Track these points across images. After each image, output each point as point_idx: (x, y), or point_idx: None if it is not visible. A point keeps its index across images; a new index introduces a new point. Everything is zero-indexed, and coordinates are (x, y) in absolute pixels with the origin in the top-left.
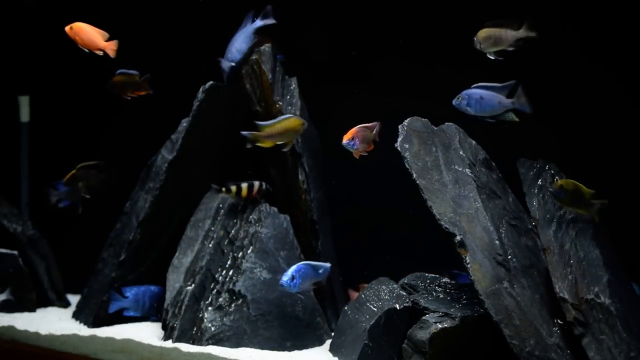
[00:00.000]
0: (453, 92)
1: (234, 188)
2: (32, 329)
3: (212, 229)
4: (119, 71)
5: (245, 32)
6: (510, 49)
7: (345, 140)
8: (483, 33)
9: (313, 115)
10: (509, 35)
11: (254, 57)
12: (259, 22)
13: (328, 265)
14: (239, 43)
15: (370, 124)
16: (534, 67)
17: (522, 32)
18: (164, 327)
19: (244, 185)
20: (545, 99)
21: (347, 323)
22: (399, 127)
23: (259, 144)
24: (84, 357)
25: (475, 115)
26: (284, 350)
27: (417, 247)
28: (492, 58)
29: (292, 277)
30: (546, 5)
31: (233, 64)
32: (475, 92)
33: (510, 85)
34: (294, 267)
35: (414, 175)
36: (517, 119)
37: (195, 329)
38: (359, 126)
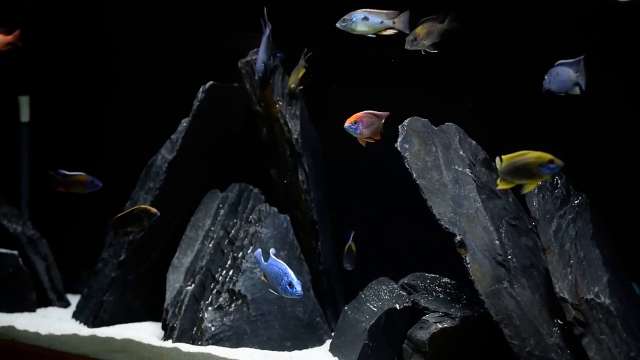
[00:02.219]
0: (453, 92)
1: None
2: (32, 329)
3: (212, 229)
4: None
5: (262, 41)
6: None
7: (347, 123)
8: (422, 29)
9: (313, 115)
10: (438, 28)
11: (254, 57)
12: (267, 30)
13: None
14: (260, 53)
15: (380, 112)
16: (534, 67)
17: (446, 25)
18: (164, 327)
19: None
20: (546, 99)
21: (347, 323)
22: (399, 127)
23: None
24: (84, 357)
25: (553, 91)
26: (284, 350)
27: (417, 247)
28: (430, 52)
29: (291, 284)
30: (547, 5)
31: (260, 74)
32: (553, 69)
33: (580, 60)
34: (292, 275)
35: (414, 175)
36: (579, 93)
37: (195, 329)
38: (365, 111)
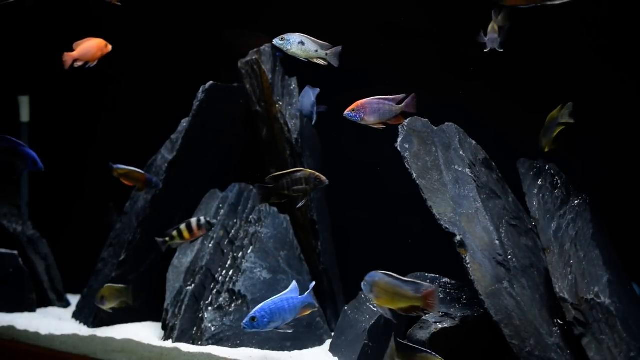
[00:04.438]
0: (453, 92)
1: (175, 233)
2: (32, 329)
3: (212, 228)
4: None
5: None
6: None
7: (347, 111)
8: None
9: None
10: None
11: (254, 57)
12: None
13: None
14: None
15: (392, 96)
16: (534, 67)
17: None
18: (164, 327)
19: (183, 227)
20: (546, 99)
21: (347, 323)
22: (399, 127)
23: None
24: (84, 357)
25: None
26: (283, 350)
27: (417, 247)
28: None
29: (253, 318)
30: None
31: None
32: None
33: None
34: (259, 307)
35: (414, 175)
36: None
37: (195, 329)
38: (372, 98)
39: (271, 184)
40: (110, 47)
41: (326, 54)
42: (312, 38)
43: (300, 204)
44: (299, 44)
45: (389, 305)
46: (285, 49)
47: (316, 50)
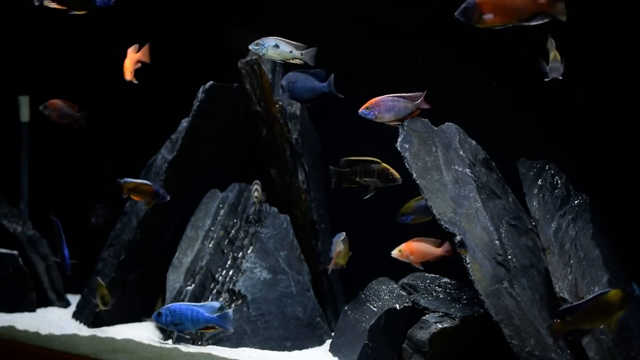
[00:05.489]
0: (453, 92)
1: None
2: (32, 329)
3: (212, 228)
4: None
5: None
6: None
7: (361, 109)
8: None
9: (313, 115)
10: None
11: (254, 57)
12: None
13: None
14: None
15: (407, 94)
16: (534, 66)
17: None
18: None
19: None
20: (546, 99)
21: (347, 323)
22: (399, 127)
23: None
24: (84, 357)
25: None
26: (284, 350)
27: None
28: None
29: (159, 313)
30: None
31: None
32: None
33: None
34: (170, 305)
35: (414, 175)
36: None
37: None
38: (386, 95)
39: (346, 168)
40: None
41: (301, 54)
42: (286, 40)
43: (367, 196)
44: (273, 47)
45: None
46: (261, 53)
47: (291, 52)
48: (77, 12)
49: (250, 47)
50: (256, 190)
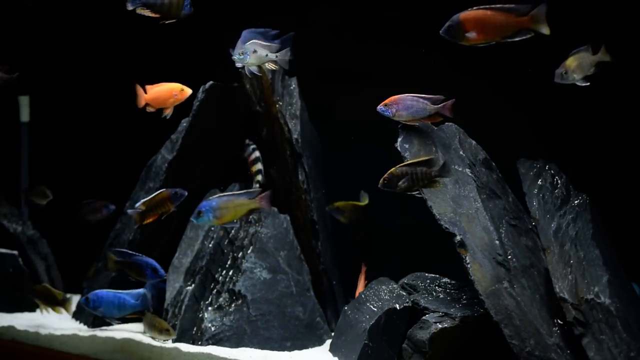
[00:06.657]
0: (454, 92)
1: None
2: (32, 329)
3: (212, 228)
4: None
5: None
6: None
7: (380, 106)
8: (573, 61)
9: (313, 115)
10: (590, 59)
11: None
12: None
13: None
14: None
15: (429, 96)
16: (534, 66)
17: (600, 56)
18: None
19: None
20: (546, 99)
21: (347, 323)
22: (399, 127)
23: None
24: (84, 357)
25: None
26: (284, 350)
27: (417, 247)
28: (582, 85)
29: (87, 299)
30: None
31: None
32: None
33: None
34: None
35: None
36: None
37: (195, 329)
38: (406, 94)
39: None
40: (187, 92)
41: (276, 57)
42: (261, 42)
43: (412, 193)
44: (254, 53)
45: (232, 218)
46: (245, 63)
47: (266, 55)
48: (168, 21)
49: (234, 57)
50: (258, 171)
